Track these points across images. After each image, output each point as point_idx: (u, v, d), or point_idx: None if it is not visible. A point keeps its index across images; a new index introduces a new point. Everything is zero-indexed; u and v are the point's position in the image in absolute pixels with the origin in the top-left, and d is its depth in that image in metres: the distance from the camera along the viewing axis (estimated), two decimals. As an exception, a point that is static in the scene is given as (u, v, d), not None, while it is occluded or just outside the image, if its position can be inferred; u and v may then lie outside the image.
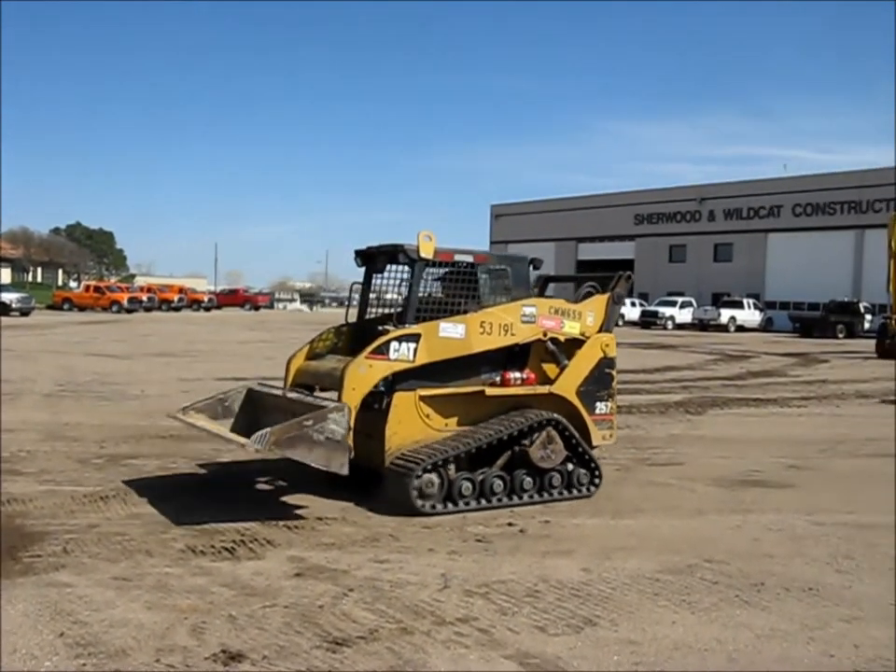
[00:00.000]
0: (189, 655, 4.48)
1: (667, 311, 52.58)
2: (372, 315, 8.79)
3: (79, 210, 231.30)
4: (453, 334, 7.74)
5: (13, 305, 46.79)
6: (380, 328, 8.23)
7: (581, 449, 8.21)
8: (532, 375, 8.28)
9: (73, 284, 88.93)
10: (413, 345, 7.54)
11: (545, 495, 7.98)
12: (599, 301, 8.79)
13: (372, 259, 8.60)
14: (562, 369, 8.38)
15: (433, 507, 7.37)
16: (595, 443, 8.48)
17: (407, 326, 7.67)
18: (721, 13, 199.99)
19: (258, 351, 25.60)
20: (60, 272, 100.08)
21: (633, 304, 55.83)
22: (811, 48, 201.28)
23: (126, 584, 5.52)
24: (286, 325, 45.05)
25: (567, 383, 8.35)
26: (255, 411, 8.37)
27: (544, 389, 8.25)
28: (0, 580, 5.47)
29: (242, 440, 6.99)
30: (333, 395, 7.53)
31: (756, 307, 52.70)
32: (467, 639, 4.79)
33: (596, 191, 69.70)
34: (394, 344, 7.48)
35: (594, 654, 4.64)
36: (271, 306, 79.99)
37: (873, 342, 32.43)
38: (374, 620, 5.04)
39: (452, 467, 7.49)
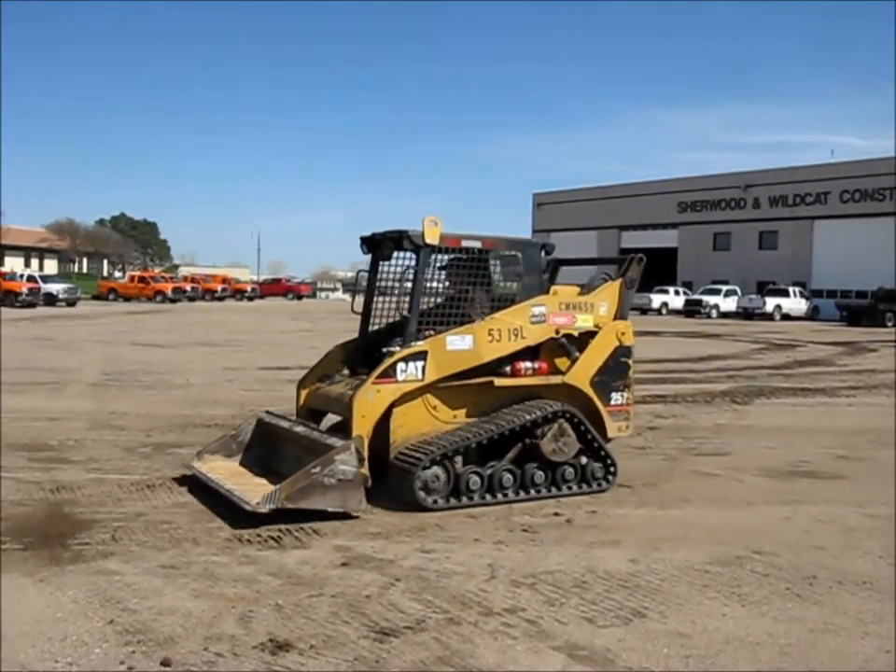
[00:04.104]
0: (237, 644, 4.49)
1: (711, 299, 51.98)
2: (376, 325, 8.47)
3: (124, 201, 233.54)
4: (461, 346, 7.51)
5: (59, 296, 47.55)
6: (384, 350, 7.85)
7: (595, 442, 7.93)
8: (544, 365, 8.02)
9: (118, 274, 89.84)
10: (420, 364, 7.34)
11: (558, 489, 7.72)
12: (611, 288, 8.44)
13: (378, 245, 8.23)
14: (573, 360, 8.09)
15: (435, 502, 7.12)
16: (610, 435, 8.19)
17: (412, 345, 7.41)
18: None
19: (300, 340, 25.69)
20: (105, 262, 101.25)
21: (676, 293, 55.38)
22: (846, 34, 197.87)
23: (173, 573, 5.55)
24: (328, 314, 45.19)
25: (581, 373, 8.06)
26: (269, 442, 8.20)
27: (557, 379, 7.99)
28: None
29: (251, 501, 6.66)
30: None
31: (802, 295, 51.94)
32: (514, 630, 4.75)
33: (639, 179, 69.18)
34: (400, 366, 7.28)
35: (643, 646, 4.59)
36: (313, 296, 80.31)
37: (923, 330, 31.91)
38: (421, 610, 5.01)
39: (459, 460, 7.26)
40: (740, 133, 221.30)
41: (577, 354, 8.08)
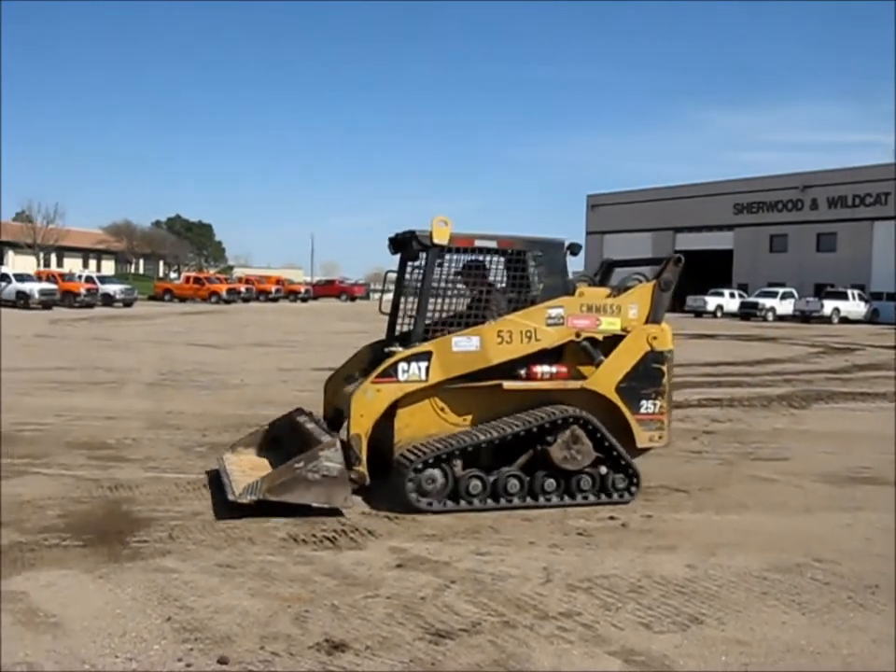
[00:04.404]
0: (293, 643, 4.51)
1: (768, 302, 51.28)
2: (405, 325, 8.22)
3: (179, 203, 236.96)
4: (467, 348, 7.30)
5: (117, 296, 48.35)
6: (385, 350, 7.74)
7: (615, 452, 7.50)
8: (563, 369, 7.63)
9: (173, 275, 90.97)
10: (424, 364, 7.20)
11: (572, 498, 7.40)
12: (644, 290, 7.93)
13: (404, 246, 7.97)
14: (597, 365, 7.66)
15: (431, 504, 7.03)
16: (640, 445, 7.74)
17: (415, 345, 7.31)
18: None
19: (353, 341, 25.58)
20: (161, 263, 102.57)
21: (732, 295, 54.79)
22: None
23: (230, 571, 5.59)
24: (379, 316, 45.35)
25: (605, 378, 7.60)
26: (295, 438, 8.13)
27: (575, 384, 7.57)
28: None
29: (235, 491, 6.80)
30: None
31: (861, 298, 51.02)
32: (570, 634, 4.72)
33: (694, 180, 68.55)
34: (402, 365, 7.18)
35: (700, 653, 4.53)
36: (366, 297, 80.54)
37: None
38: (476, 613, 5.00)
39: (458, 463, 7.09)
40: (795, 133, 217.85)
41: (601, 358, 7.67)
